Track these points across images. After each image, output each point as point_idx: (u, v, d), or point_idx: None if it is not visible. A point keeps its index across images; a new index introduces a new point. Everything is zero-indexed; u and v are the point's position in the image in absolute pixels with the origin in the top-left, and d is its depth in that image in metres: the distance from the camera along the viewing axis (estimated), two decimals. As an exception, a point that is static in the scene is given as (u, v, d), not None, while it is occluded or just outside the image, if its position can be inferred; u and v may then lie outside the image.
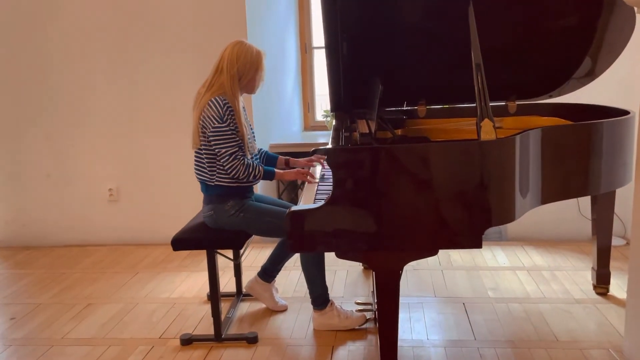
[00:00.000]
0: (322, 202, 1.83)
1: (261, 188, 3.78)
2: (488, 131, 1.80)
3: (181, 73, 3.67)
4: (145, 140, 3.81)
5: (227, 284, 3.11)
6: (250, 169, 2.38)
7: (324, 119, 4.41)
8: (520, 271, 3.14)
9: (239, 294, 2.92)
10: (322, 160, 2.63)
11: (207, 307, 2.80)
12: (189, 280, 3.23)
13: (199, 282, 3.17)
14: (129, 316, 2.80)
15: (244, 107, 2.56)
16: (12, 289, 3.23)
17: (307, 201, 2.10)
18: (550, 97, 2.89)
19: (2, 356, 2.45)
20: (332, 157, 1.78)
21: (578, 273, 3.07)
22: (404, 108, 3.02)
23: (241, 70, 2.39)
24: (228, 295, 2.94)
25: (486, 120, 1.81)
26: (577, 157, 2.15)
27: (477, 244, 1.81)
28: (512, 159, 1.84)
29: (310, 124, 4.57)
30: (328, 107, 3.34)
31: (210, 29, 3.61)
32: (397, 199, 1.79)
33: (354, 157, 1.78)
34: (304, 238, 1.84)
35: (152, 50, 3.69)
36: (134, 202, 3.91)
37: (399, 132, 2.61)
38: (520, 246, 3.55)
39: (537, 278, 3.03)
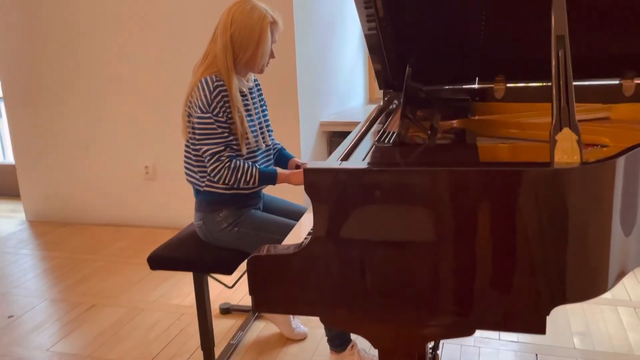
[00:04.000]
0: (305, 243, 1.24)
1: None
2: (567, 150, 1.09)
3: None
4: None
5: (245, 295, 2.63)
6: (239, 174, 1.80)
7: (391, 91, 3.73)
8: (624, 308, 2.35)
9: (255, 311, 2.43)
10: None
11: (218, 323, 2.35)
12: (210, 283, 2.78)
13: (220, 286, 2.71)
14: (127, 327, 2.41)
15: (253, 87, 1.99)
16: (30, 276, 2.99)
17: (297, 235, 1.50)
18: (689, 74, 2.02)
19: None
20: (309, 179, 1.17)
21: None
22: (476, 86, 2.28)
23: (236, 39, 1.80)
24: (244, 310, 2.47)
25: (566, 130, 1.09)
26: None
27: (540, 329, 1.14)
28: (609, 194, 1.12)
29: (375, 96, 3.90)
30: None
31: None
32: (412, 250, 1.15)
33: (342, 183, 1.15)
34: (272, 295, 1.26)
35: (185, 22, 3.20)
36: (170, 182, 3.53)
37: (454, 123, 1.90)
38: (630, 268, 2.71)
39: (648, 322, 2.25)
